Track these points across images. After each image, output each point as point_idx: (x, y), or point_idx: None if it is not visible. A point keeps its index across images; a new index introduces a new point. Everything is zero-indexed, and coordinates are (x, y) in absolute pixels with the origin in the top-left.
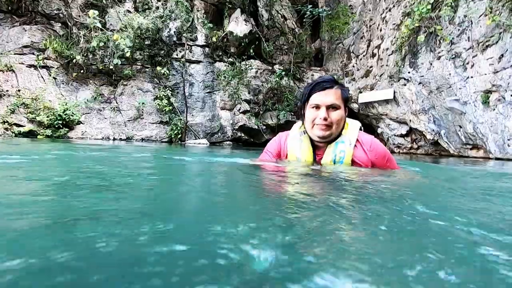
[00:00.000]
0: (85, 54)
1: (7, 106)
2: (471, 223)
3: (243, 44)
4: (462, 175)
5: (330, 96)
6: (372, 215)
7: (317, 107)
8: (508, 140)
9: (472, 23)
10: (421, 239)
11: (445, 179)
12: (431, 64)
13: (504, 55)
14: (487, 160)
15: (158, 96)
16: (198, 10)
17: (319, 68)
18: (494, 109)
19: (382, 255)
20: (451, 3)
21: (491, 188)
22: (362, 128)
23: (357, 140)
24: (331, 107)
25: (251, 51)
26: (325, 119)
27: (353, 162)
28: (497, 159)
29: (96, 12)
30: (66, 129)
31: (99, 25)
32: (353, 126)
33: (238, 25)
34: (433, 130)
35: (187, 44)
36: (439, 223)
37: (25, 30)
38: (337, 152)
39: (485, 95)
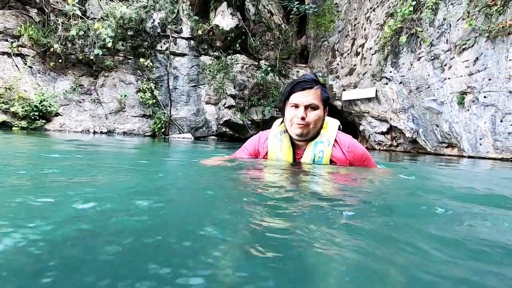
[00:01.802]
0: (63, 43)
1: None
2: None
3: (229, 38)
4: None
5: (309, 96)
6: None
7: (296, 106)
8: (480, 139)
9: (450, 26)
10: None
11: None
12: (411, 64)
13: (478, 58)
14: (461, 158)
15: (141, 88)
16: (183, 2)
17: (304, 65)
18: (468, 110)
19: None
20: (432, 6)
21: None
22: (341, 127)
23: (336, 140)
24: (310, 107)
25: (237, 45)
26: (303, 119)
27: (331, 162)
28: (470, 157)
29: None
30: (43, 121)
31: (78, 12)
32: (332, 125)
33: (224, 19)
34: (412, 129)
35: (172, 36)
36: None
37: None
38: (316, 152)
39: (461, 96)
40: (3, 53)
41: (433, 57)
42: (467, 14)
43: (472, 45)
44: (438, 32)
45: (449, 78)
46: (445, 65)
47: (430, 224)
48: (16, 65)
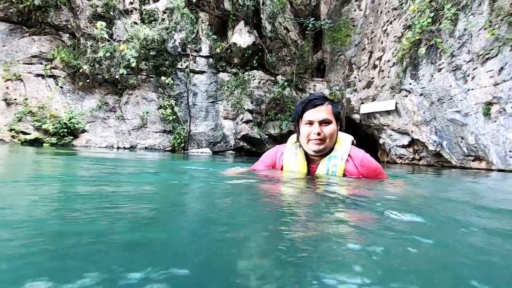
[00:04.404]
0: (91, 64)
1: (15, 114)
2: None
3: (246, 55)
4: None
5: (321, 112)
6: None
7: (311, 123)
8: (510, 151)
9: (472, 36)
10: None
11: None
12: (432, 76)
13: (504, 68)
14: (490, 171)
15: (162, 105)
16: (202, 22)
17: (321, 79)
18: (495, 121)
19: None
20: (451, 16)
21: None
22: (355, 142)
23: (349, 155)
24: (324, 122)
25: (254, 62)
26: (319, 134)
27: (344, 176)
28: (499, 170)
29: (104, 24)
30: (71, 137)
31: (106, 36)
32: (345, 140)
33: (241, 37)
34: (435, 141)
35: (192, 55)
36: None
37: (34, 41)
38: (330, 166)
39: (486, 107)
40: (38, 75)
41: (454, 68)
42: (489, 24)
43: (496, 55)
44: (458, 43)
45: (472, 89)
46: (468, 75)
47: None
48: (49, 86)
